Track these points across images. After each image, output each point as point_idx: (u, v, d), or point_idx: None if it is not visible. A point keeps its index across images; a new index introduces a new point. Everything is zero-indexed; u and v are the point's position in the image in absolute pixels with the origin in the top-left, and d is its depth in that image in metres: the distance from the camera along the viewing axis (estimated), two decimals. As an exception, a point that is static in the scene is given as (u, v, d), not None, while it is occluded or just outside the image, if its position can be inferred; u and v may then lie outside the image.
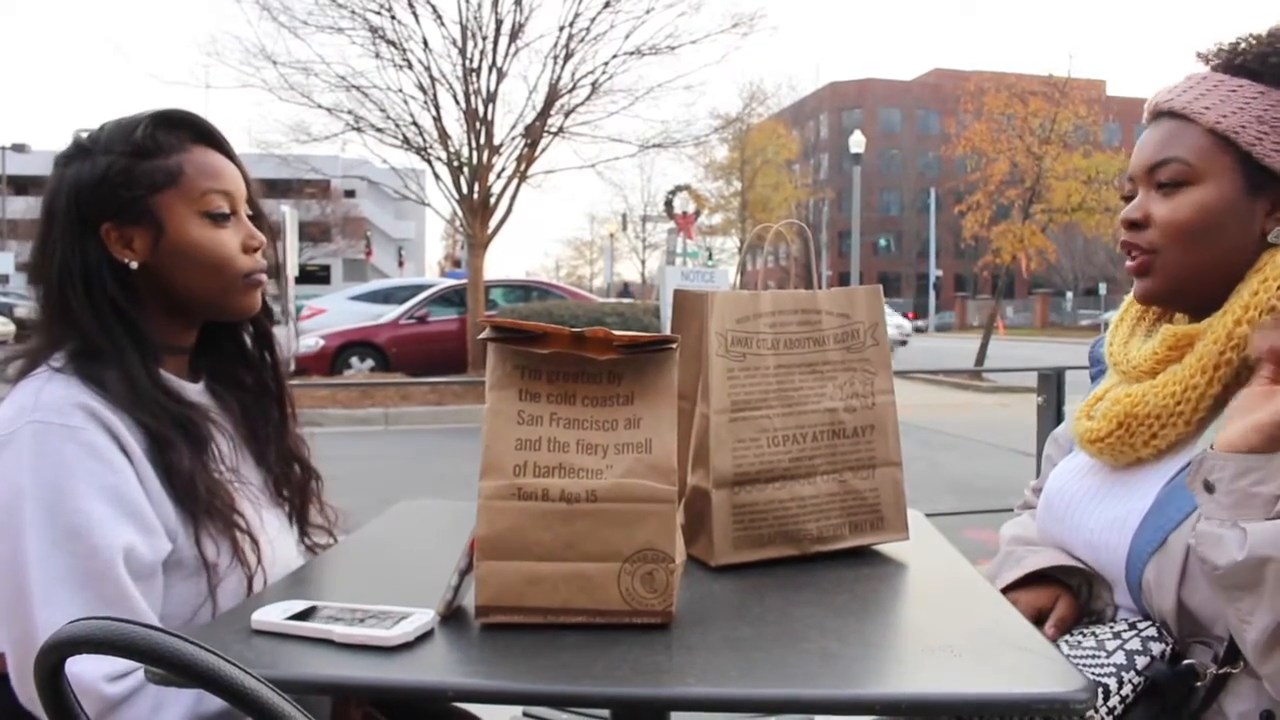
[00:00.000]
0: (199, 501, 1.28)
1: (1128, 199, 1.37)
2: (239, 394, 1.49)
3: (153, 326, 1.35)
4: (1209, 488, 1.12)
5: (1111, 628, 1.27)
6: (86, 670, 1.12)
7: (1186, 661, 1.20)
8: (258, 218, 1.46)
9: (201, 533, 1.28)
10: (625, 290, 29.08)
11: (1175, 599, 1.20)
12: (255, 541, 1.33)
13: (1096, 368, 1.56)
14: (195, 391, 1.41)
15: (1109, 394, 1.38)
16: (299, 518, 1.55)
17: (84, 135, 1.38)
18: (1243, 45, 1.31)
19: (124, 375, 1.28)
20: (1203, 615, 1.20)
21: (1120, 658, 1.21)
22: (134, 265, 1.33)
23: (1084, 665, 1.21)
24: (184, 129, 1.39)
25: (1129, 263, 1.36)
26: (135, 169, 1.33)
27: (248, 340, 1.52)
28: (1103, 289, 53.88)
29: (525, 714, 1.85)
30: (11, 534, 1.17)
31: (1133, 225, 1.33)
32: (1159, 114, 1.34)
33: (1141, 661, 1.20)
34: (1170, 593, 1.20)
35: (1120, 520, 1.29)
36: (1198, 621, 1.20)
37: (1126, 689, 1.19)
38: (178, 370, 1.40)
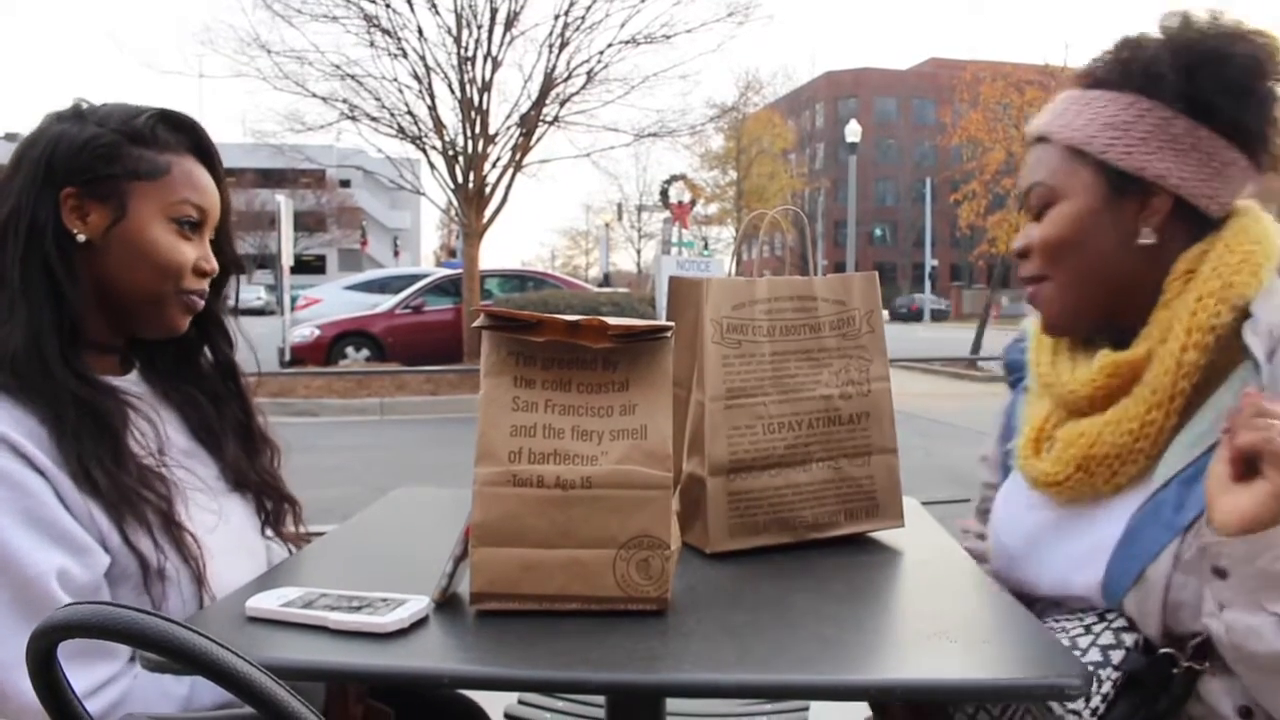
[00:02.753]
0: (115, 494, 1.22)
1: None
2: (185, 388, 1.45)
3: (80, 310, 1.29)
4: (1221, 574, 1.08)
5: (1081, 619, 1.24)
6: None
7: (1163, 650, 1.17)
8: (224, 250, 1.43)
9: (127, 525, 1.22)
10: (605, 280, 29.18)
11: (1159, 626, 1.17)
12: (183, 528, 1.27)
13: (1015, 375, 1.55)
14: (122, 380, 1.36)
15: (1057, 432, 1.34)
16: (270, 519, 1.51)
17: (85, 104, 1.36)
18: (1100, 58, 1.32)
19: (33, 345, 1.23)
20: (1187, 630, 1.16)
21: (1095, 655, 1.18)
22: (80, 238, 1.29)
23: None
24: (185, 134, 1.37)
25: (1028, 297, 1.37)
26: (122, 149, 1.30)
27: (206, 360, 1.49)
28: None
29: (521, 701, 1.85)
30: None
31: (1020, 255, 1.36)
32: (1032, 140, 1.36)
33: (1117, 656, 1.18)
34: (1154, 620, 1.17)
35: (1088, 555, 1.25)
36: (1181, 635, 1.17)
37: (1106, 686, 1.17)
38: (104, 368, 1.35)
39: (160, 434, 1.35)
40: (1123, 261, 1.27)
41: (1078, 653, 1.19)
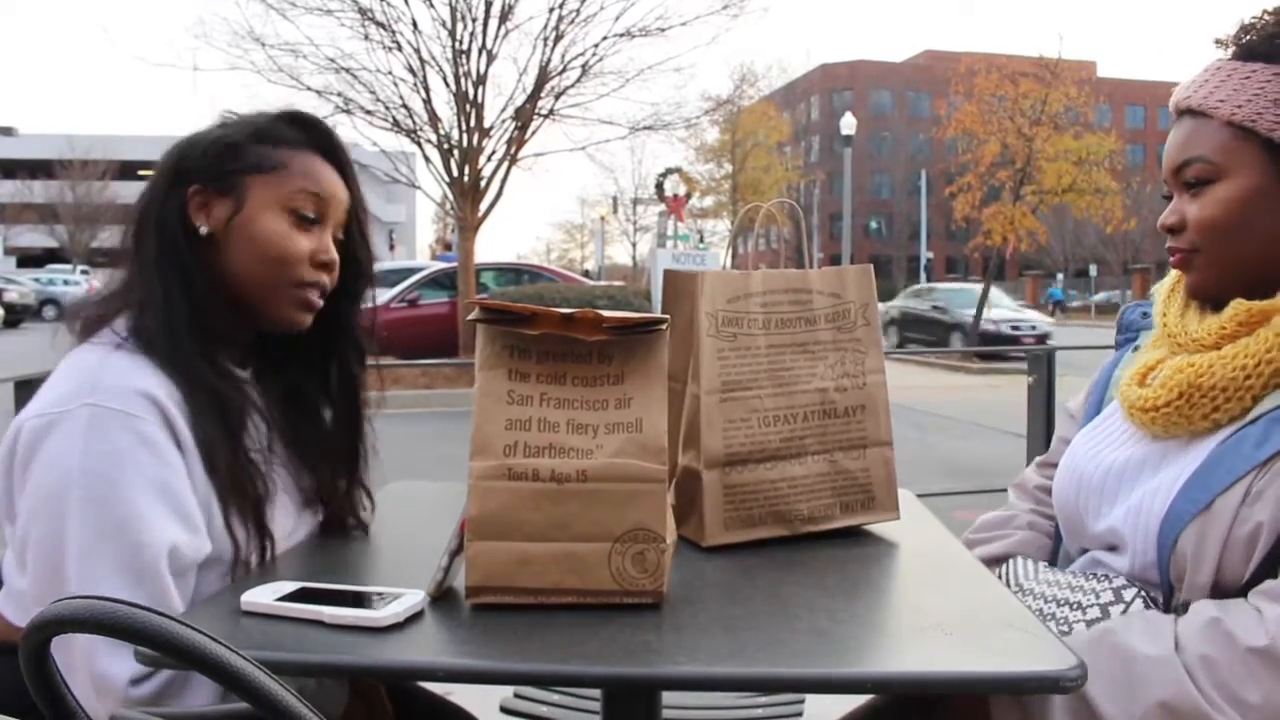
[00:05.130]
0: (230, 482, 1.26)
1: (1167, 198, 1.35)
2: (300, 400, 1.46)
3: (211, 300, 1.34)
4: None
5: (1097, 597, 1.24)
6: (115, 670, 1.11)
7: None
8: (358, 256, 1.45)
9: (231, 517, 1.26)
10: (585, 274, 29.21)
11: (1215, 568, 1.16)
12: (269, 533, 1.30)
13: (1125, 335, 1.53)
14: (240, 374, 1.39)
15: (1166, 363, 1.33)
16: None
17: (229, 116, 1.41)
18: (1255, 28, 1.28)
19: (168, 329, 1.27)
20: (1235, 581, 1.16)
21: None
22: (203, 230, 1.33)
23: None
24: (311, 133, 1.40)
25: (1171, 259, 1.34)
26: (244, 147, 1.36)
27: (333, 377, 1.49)
28: (1093, 270, 53.93)
29: (517, 694, 1.85)
30: (55, 519, 1.14)
31: (1170, 230, 1.32)
32: (1180, 112, 1.32)
33: None
34: (1211, 560, 1.16)
35: (1166, 487, 1.24)
36: (1229, 593, 1.16)
37: None
38: (227, 360, 1.37)
39: (270, 432, 1.39)
40: None
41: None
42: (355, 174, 1.45)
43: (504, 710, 1.82)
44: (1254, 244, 1.26)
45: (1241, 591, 1.15)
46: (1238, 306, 1.25)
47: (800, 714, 1.81)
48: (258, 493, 1.30)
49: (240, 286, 1.35)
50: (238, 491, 1.27)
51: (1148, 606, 1.21)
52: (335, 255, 1.40)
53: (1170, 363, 1.32)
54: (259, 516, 1.29)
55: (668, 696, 1.67)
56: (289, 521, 1.38)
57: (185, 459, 1.22)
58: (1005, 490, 1.70)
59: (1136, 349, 1.47)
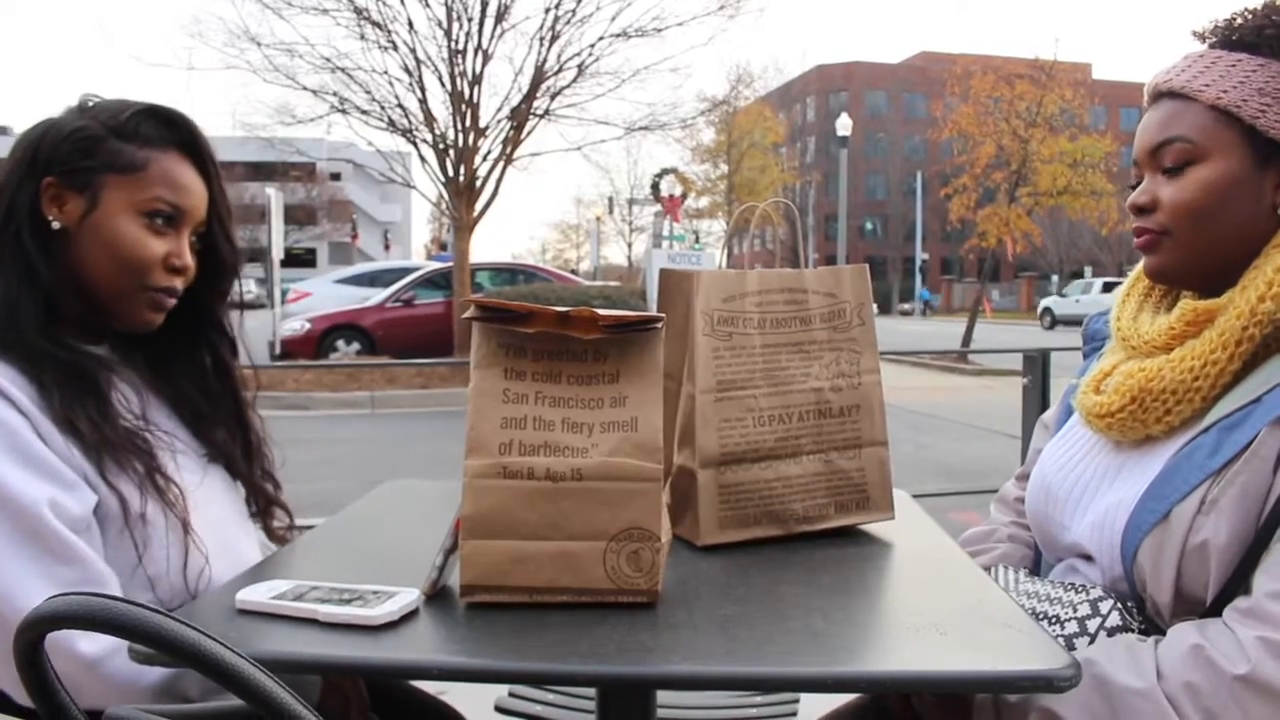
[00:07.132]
0: (96, 438, 1.24)
1: (1134, 186, 1.34)
2: (174, 380, 1.46)
3: (61, 292, 1.32)
4: None
5: (1074, 610, 1.24)
6: (59, 632, 1.11)
7: None
8: (220, 249, 1.44)
9: (107, 469, 1.24)
10: (573, 274, 29.29)
11: (1174, 577, 1.16)
12: (169, 479, 1.30)
13: (1090, 345, 1.53)
14: (95, 348, 1.38)
15: (1119, 368, 1.34)
16: (258, 505, 1.52)
17: (90, 100, 1.39)
18: (1238, 21, 1.28)
19: (9, 317, 1.26)
20: (1197, 596, 1.16)
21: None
22: (56, 225, 1.32)
23: None
24: (174, 130, 1.38)
25: (1136, 240, 1.33)
26: (103, 142, 1.33)
27: (207, 361, 1.50)
28: (1088, 272, 54.02)
29: (511, 693, 1.85)
30: None
31: (1140, 210, 1.31)
32: (1159, 95, 1.31)
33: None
34: (1169, 570, 1.16)
35: (1128, 500, 1.24)
36: (1192, 602, 1.17)
37: None
38: (77, 336, 1.36)
39: (142, 401, 1.38)
40: (1251, 228, 1.24)
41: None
42: (218, 170, 1.43)
43: (498, 709, 1.82)
44: (1223, 231, 1.25)
45: (1209, 606, 1.15)
46: (1184, 307, 1.26)
47: (795, 713, 1.81)
48: (137, 446, 1.29)
49: (91, 286, 1.34)
50: (110, 448, 1.25)
51: (1125, 618, 1.21)
52: (189, 260, 1.39)
53: (1122, 368, 1.33)
54: (149, 469, 1.28)
55: (662, 695, 1.67)
56: (192, 475, 1.37)
57: (30, 422, 1.20)
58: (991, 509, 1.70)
59: (1101, 356, 1.47)
